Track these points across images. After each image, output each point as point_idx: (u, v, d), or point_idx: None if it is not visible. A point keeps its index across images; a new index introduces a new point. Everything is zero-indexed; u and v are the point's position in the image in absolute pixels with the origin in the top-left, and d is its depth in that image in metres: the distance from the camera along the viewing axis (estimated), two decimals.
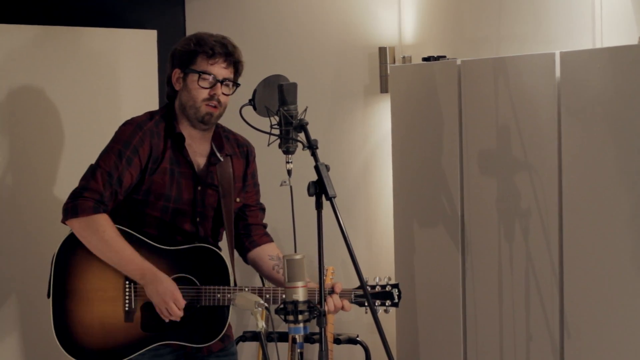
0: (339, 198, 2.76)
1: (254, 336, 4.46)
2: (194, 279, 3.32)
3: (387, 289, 3.30)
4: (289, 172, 2.87)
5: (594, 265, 3.57)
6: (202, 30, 3.41)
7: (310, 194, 2.76)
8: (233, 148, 3.49)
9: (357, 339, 4.47)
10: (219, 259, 3.34)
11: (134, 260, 3.27)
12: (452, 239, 4.09)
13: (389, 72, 4.50)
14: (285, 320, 2.73)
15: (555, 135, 3.66)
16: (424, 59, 4.20)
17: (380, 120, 4.59)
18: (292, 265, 2.71)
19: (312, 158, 2.80)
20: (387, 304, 3.30)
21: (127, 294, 3.32)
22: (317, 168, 2.76)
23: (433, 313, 4.23)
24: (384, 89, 4.57)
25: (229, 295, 3.28)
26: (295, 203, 2.85)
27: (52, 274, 3.33)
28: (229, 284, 3.31)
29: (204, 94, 3.33)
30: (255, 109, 3.04)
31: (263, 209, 3.58)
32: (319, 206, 2.74)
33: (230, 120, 3.46)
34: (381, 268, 4.42)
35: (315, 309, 2.71)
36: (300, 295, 2.71)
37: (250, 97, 3.07)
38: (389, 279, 3.32)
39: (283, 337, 3.97)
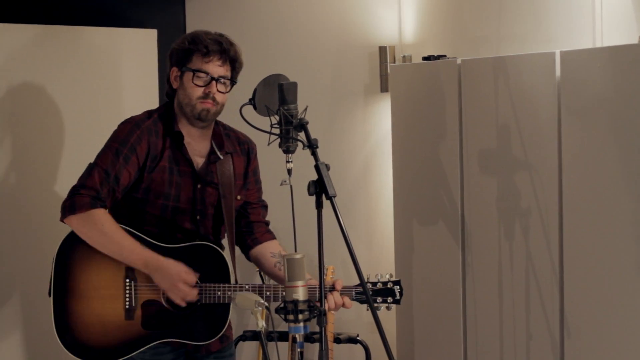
0: (339, 197, 2.76)
1: (254, 335, 4.46)
2: None
3: (388, 285, 3.30)
4: (289, 171, 2.87)
5: (594, 265, 3.57)
6: (202, 29, 3.41)
7: (310, 193, 2.76)
8: (234, 146, 3.49)
9: (357, 338, 4.47)
10: (219, 257, 3.34)
11: (135, 249, 3.27)
12: (452, 238, 4.09)
13: (389, 71, 4.50)
14: (286, 320, 2.73)
15: (556, 135, 3.66)
16: (424, 58, 4.20)
17: (380, 120, 4.59)
18: (292, 265, 2.71)
19: (312, 157, 2.80)
20: (388, 301, 3.30)
21: (127, 291, 3.32)
22: (317, 167, 2.76)
23: (433, 312, 4.23)
24: (384, 88, 4.57)
25: (229, 293, 3.28)
26: (296, 202, 2.85)
27: (53, 273, 3.33)
28: (229, 282, 3.31)
29: (199, 92, 3.33)
30: (255, 108, 3.04)
31: (265, 207, 3.59)
32: (319, 205, 2.75)
33: (230, 120, 3.47)
34: (381, 267, 4.42)
35: (316, 309, 2.71)
36: (300, 294, 2.71)
37: (251, 96, 3.07)
38: (391, 275, 3.32)
39: (283, 336, 3.98)
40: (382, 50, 4.55)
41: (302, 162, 2.92)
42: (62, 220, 3.30)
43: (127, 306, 3.32)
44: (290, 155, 2.87)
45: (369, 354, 4.46)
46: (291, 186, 2.83)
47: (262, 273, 4.21)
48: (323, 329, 2.71)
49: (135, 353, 3.32)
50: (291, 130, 2.86)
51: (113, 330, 3.32)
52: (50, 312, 3.32)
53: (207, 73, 3.33)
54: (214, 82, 3.33)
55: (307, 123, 2.85)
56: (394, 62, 4.53)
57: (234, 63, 3.37)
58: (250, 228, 3.53)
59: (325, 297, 3.22)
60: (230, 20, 4.73)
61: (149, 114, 3.42)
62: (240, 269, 3.51)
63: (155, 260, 3.26)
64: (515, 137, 3.80)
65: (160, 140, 3.37)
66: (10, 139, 4.10)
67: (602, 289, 3.54)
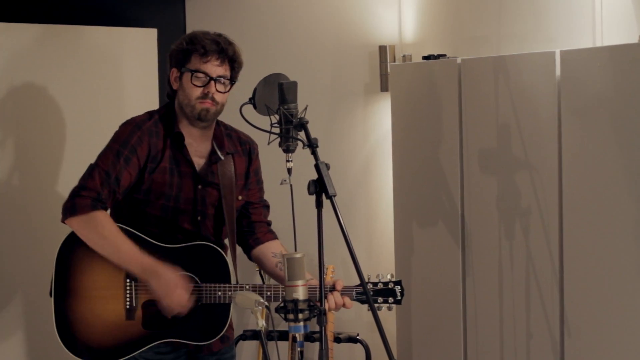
0: (339, 197, 2.75)
1: (254, 335, 4.46)
2: (194, 277, 3.33)
3: (389, 286, 3.30)
4: (289, 170, 2.87)
5: (594, 264, 3.57)
6: (202, 29, 3.42)
7: (310, 193, 2.76)
8: (235, 146, 3.49)
9: (358, 337, 4.47)
10: (220, 257, 3.34)
11: (133, 255, 3.26)
12: (453, 237, 4.09)
13: (389, 70, 4.50)
14: (286, 319, 2.73)
15: (556, 134, 3.66)
16: (424, 58, 4.20)
17: (380, 119, 4.59)
18: (292, 264, 2.71)
19: (312, 157, 2.80)
20: (389, 301, 3.30)
21: (127, 291, 3.32)
22: (317, 167, 2.76)
23: (433, 312, 4.23)
24: (384, 88, 4.57)
25: (229, 293, 3.28)
26: (296, 202, 2.85)
27: (54, 273, 3.33)
28: (229, 282, 3.31)
29: (198, 92, 3.33)
30: (255, 107, 3.04)
31: (267, 207, 3.59)
32: (319, 205, 2.74)
33: (230, 119, 3.47)
34: (381, 266, 4.42)
35: (316, 308, 2.71)
36: (300, 294, 2.71)
37: (251, 95, 3.07)
38: (392, 275, 3.32)
39: (283, 335, 3.98)
40: (382, 49, 4.55)
41: (302, 161, 2.92)
42: (62, 221, 3.30)
43: (127, 306, 3.32)
44: (290, 154, 2.87)
45: (369, 354, 4.46)
46: (291, 185, 2.83)
47: (262, 273, 4.21)
48: (323, 328, 2.71)
49: (136, 353, 3.32)
50: (291, 130, 2.85)
51: (114, 330, 3.32)
52: (52, 312, 3.32)
53: (205, 73, 3.33)
54: (212, 82, 3.33)
55: (307, 122, 2.85)
56: (394, 61, 4.53)
57: (232, 63, 3.37)
58: (252, 228, 3.53)
59: (326, 297, 3.23)
60: (230, 20, 4.73)
61: (149, 115, 3.43)
62: (240, 269, 3.51)
63: (153, 266, 3.26)
64: (515, 137, 3.80)
65: (161, 141, 3.37)
66: (12, 137, 4.10)
67: (602, 289, 3.54)
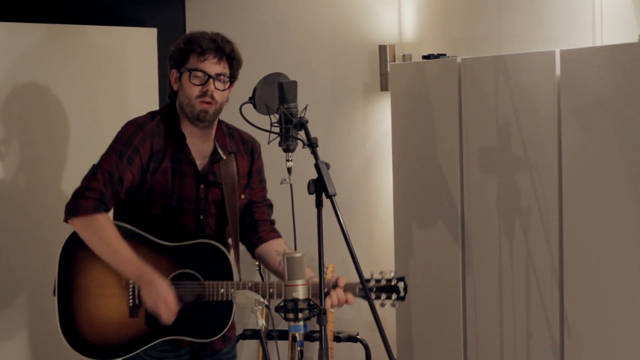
0: (339, 196, 2.76)
1: (254, 334, 4.47)
2: (197, 275, 3.33)
3: (393, 282, 3.28)
4: (289, 170, 2.87)
5: (594, 264, 3.56)
6: (201, 28, 3.43)
7: (310, 192, 2.76)
8: (237, 145, 3.50)
9: (357, 337, 4.47)
10: (222, 255, 3.34)
11: (131, 261, 3.28)
12: (452, 237, 4.09)
13: (389, 70, 4.51)
14: (286, 318, 2.73)
15: (556, 134, 3.65)
16: (424, 57, 4.20)
17: (380, 118, 4.59)
18: (292, 264, 2.71)
19: (312, 156, 2.80)
20: (393, 298, 3.28)
21: (130, 289, 3.33)
22: (317, 166, 2.76)
23: (433, 311, 4.23)
24: (384, 87, 4.57)
25: (232, 291, 3.28)
26: (296, 201, 2.85)
27: (57, 271, 3.34)
28: (232, 280, 3.32)
29: (197, 91, 3.34)
30: (255, 107, 3.05)
31: (270, 205, 3.59)
32: (319, 204, 2.74)
33: (230, 119, 3.47)
34: (381, 266, 4.39)
35: (315, 307, 2.71)
36: (300, 293, 2.71)
37: (251, 95, 3.07)
38: (395, 272, 3.30)
39: (283, 335, 3.98)
40: (382, 49, 4.55)
41: (302, 160, 2.92)
42: (65, 221, 3.32)
43: (130, 304, 3.33)
44: (290, 154, 2.87)
45: (369, 353, 4.46)
46: (291, 185, 2.83)
47: (262, 271, 4.21)
48: (323, 327, 2.71)
49: (139, 350, 3.33)
50: (291, 129, 2.86)
51: (117, 328, 3.33)
52: (55, 311, 3.33)
53: (203, 71, 3.33)
54: (211, 80, 3.34)
55: (307, 122, 2.85)
56: (394, 60, 4.53)
57: (231, 60, 3.38)
58: (255, 227, 3.54)
59: (328, 295, 3.23)
60: (230, 20, 4.73)
61: (152, 115, 3.44)
62: (240, 267, 3.51)
63: (150, 275, 3.27)
64: (515, 136, 3.80)
65: (163, 141, 3.38)
66: (14, 137, 4.11)
67: (602, 289, 3.54)
